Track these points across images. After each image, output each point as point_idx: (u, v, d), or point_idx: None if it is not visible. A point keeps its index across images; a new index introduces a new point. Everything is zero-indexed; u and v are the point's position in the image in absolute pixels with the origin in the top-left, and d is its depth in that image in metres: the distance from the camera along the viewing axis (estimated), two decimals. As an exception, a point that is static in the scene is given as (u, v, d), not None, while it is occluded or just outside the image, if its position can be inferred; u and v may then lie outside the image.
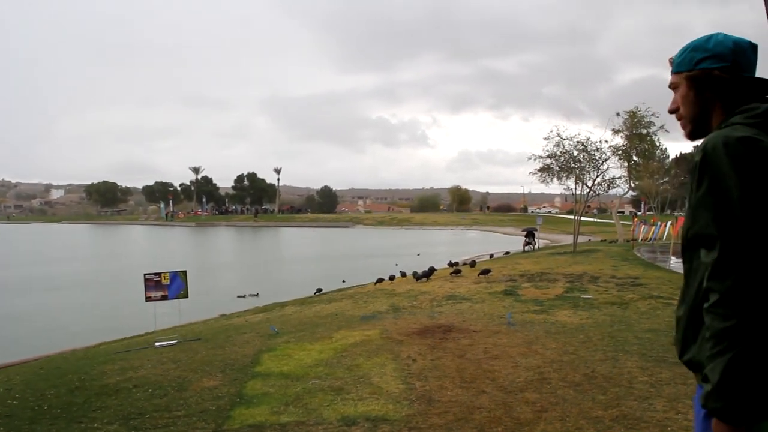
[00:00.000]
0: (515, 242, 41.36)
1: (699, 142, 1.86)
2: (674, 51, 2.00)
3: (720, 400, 1.59)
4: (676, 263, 19.00)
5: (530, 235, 34.96)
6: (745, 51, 1.86)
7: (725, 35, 1.89)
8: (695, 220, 1.71)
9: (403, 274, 17.64)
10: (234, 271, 34.06)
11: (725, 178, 1.63)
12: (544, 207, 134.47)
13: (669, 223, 27.00)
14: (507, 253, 28.66)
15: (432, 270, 17.51)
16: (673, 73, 1.97)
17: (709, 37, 1.91)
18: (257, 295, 21.87)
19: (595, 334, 8.29)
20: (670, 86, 2.00)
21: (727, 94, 1.86)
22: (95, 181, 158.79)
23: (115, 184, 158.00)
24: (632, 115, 27.05)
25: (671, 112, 2.01)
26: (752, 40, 1.91)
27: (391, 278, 17.21)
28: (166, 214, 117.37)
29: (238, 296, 21.48)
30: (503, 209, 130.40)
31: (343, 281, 22.86)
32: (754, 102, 1.81)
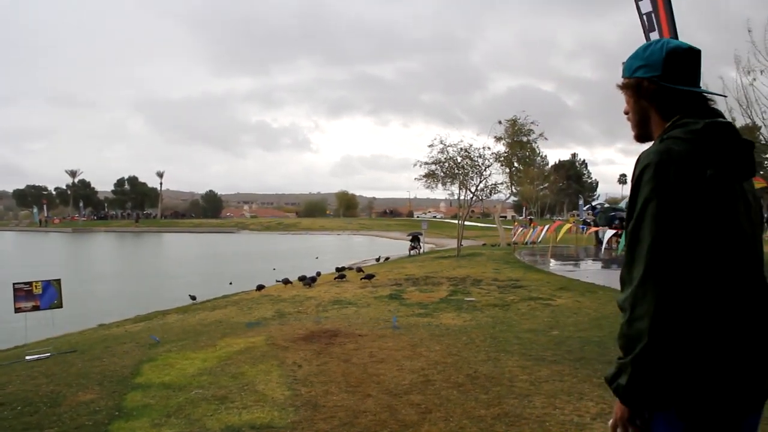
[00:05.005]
0: (401, 247, 41.84)
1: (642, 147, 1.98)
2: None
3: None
4: (554, 266, 19.79)
5: (416, 239, 35.43)
6: (681, 60, 1.92)
7: (665, 43, 1.95)
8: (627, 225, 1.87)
9: (286, 282, 17.30)
10: (113, 278, 32.69)
11: (648, 201, 1.75)
12: (429, 212, 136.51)
13: (547, 226, 28.05)
14: (387, 258, 28.84)
15: (318, 275, 17.40)
16: (622, 77, 2.05)
17: (648, 46, 1.99)
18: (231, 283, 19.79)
19: (478, 335, 8.49)
20: (619, 88, 2.07)
21: (662, 104, 1.94)
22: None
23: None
24: (513, 123, 27.91)
25: (625, 113, 2.09)
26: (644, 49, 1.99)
27: (260, 288, 16.55)
28: (40, 220, 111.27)
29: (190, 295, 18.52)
30: (394, 213, 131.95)
31: (230, 283, 22.45)
32: (691, 109, 1.90)
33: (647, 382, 1.75)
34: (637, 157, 1.86)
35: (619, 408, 1.84)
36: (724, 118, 1.90)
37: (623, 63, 2.06)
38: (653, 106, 1.96)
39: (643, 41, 6.82)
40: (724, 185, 1.78)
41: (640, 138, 2.06)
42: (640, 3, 7.07)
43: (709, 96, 1.96)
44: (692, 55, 1.94)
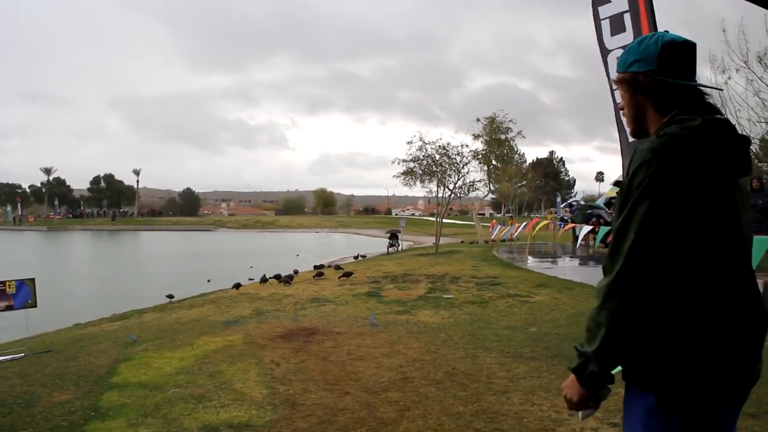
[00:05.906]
0: (379, 244, 41.86)
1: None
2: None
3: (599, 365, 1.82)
4: (532, 263, 19.87)
5: (394, 236, 35.44)
6: (676, 53, 1.90)
7: (660, 36, 1.93)
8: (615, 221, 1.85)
9: (263, 280, 17.22)
10: (88, 277, 32.36)
11: (640, 200, 1.74)
12: (407, 209, 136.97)
13: (524, 224, 28.21)
14: (364, 256, 28.82)
15: (296, 273, 17.34)
16: (617, 72, 2.03)
17: (642, 39, 1.95)
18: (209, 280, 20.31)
19: (456, 332, 8.51)
20: (614, 83, 2.07)
21: (658, 98, 1.92)
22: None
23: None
24: (491, 121, 28.01)
25: (620, 109, 2.09)
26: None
27: (237, 286, 16.50)
28: (14, 218, 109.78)
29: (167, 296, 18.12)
30: (372, 211, 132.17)
31: (209, 280, 22.34)
32: (688, 103, 1.89)
33: (610, 369, 1.83)
34: (632, 152, 1.85)
35: (579, 391, 1.90)
36: (721, 113, 1.90)
37: (617, 58, 2.04)
38: (649, 100, 1.94)
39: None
40: (721, 182, 1.78)
41: (637, 133, 2.04)
42: (604, 6, 7.10)
43: (705, 90, 1.94)
44: (688, 49, 1.92)
